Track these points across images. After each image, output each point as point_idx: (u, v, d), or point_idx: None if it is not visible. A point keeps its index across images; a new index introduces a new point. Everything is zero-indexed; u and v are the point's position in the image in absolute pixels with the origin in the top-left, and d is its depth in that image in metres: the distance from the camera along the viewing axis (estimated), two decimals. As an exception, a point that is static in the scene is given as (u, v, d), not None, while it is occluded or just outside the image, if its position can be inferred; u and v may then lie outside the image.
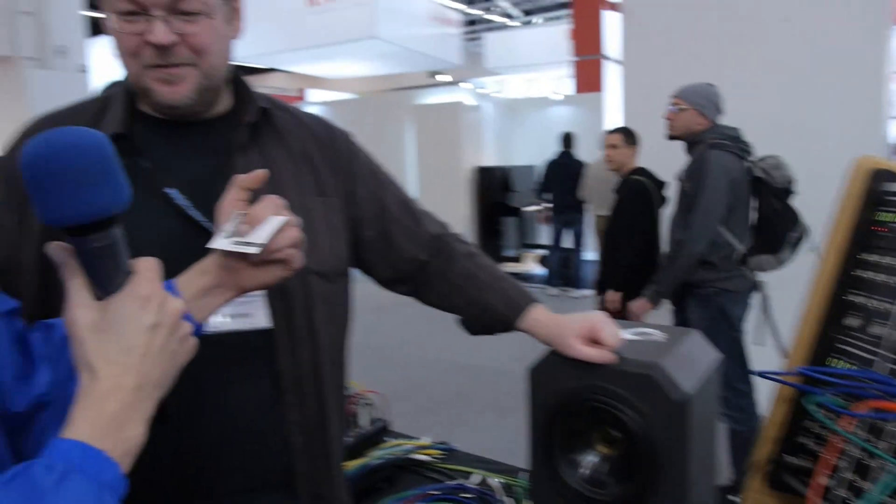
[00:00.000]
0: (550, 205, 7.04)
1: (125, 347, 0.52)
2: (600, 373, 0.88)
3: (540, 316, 1.03)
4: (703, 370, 0.93)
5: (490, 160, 8.77)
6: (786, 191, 2.68)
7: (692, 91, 2.78)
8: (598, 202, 5.98)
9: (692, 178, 2.70)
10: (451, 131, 8.23)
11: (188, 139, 0.93)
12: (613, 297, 3.32)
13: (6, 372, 0.61)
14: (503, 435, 3.44)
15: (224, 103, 0.97)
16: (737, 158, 2.68)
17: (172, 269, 0.71)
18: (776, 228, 2.66)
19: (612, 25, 8.18)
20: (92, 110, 0.93)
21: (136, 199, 0.86)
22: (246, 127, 0.95)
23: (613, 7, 7.69)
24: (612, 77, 7.93)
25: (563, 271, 7.21)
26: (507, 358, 4.63)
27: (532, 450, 0.96)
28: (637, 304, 2.84)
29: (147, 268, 0.57)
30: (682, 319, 2.84)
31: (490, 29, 14.51)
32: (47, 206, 0.51)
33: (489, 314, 1.06)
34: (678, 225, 2.78)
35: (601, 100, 7.92)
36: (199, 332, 0.71)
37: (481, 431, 3.55)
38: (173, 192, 0.88)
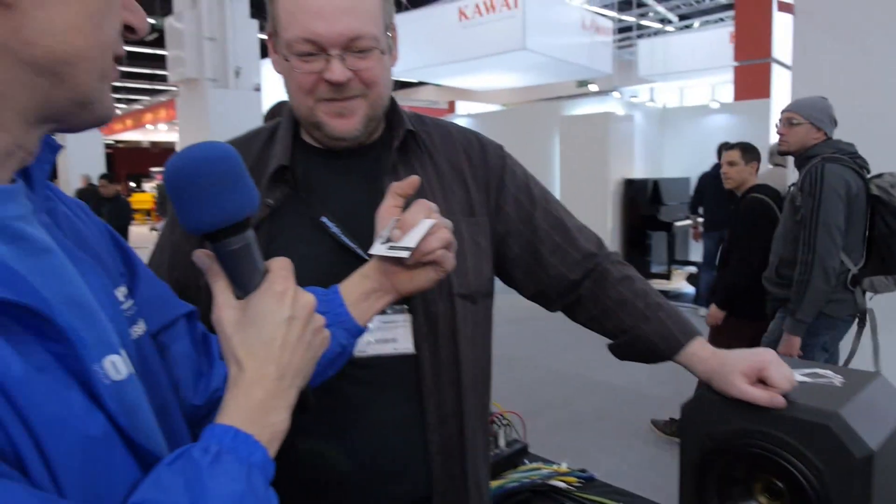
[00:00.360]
0: (702, 219, 6.64)
1: (265, 340, 0.55)
2: (767, 417, 0.81)
3: (700, 351, 0.95)
4: (891, 422, 0.82)
5: (640, 172, 8.44)
6: None
7: (807, 105, 2.69)
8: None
9: (805, 192, 2.55)
10: (598, 142, 8.01)
11: (342, 167, 0.97)
12: (716, 312, 3.23)
13: (187, 368, 0.68)
14: (646, 464, 3.27)
15: (378, 130, 1.00)
16: (854, 174, 2.54)
17: None
18: (893, 249, 2.55)
19: (778, 27, 7.58)
20: (262, 139, 1.01)
21: (295, 227, 0.92)
22: (394, 150, 0.97)
23: (784, 7, 7.11)
24: (777, 83, 7.33)
25: (716, 291, 6.75)
26: (648, 379, 4.41)
27: (683, 491, 0.90)
28: (785, 346, 2.60)
29: (281, 266, 0.60)
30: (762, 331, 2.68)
31: (643, 35, 14.02)
32: (186, 215, 0.56)
33: (643, 344, 1.00)
34: (785, 241, 2.66)
35: (765, 108, 7.33)
36: (360, 333, 0.75)
37: (622, 459, 3.39)
38: (326, 220, 0.93)
